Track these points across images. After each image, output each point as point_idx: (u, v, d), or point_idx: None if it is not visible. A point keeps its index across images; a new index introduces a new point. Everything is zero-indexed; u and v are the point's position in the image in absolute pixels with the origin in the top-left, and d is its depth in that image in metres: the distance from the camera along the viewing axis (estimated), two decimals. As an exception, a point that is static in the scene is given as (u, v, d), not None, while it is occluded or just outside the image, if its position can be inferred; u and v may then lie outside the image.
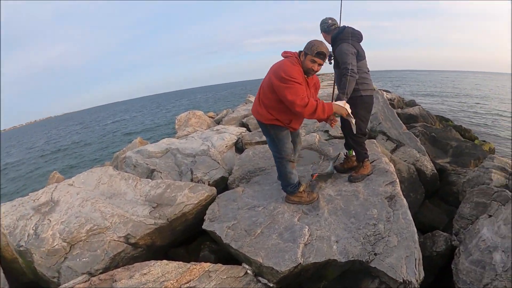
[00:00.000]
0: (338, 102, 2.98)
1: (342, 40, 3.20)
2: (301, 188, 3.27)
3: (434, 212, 4.61)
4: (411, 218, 2.82)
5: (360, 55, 3.26)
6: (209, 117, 12.32)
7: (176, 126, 9.82)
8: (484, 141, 10.21)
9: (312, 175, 3.61)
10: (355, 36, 3.28)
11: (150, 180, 4.08)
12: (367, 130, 3.65)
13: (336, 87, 3.57)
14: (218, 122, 10.86)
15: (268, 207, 3.24)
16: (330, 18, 3.36)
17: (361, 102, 3.34)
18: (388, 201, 3.09)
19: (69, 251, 3.01)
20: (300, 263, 2.48)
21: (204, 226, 3.15)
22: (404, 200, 3.10)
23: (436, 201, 5.10)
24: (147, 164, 5.01)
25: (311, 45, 2.80)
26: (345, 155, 3.89)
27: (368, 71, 3.45)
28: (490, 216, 3.11)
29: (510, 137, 13.42)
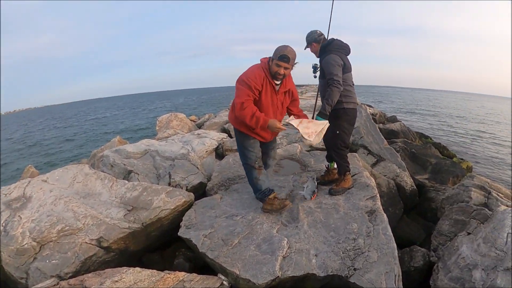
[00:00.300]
0: (319, 122, 3.05)
1: (330, 51, 3.22)
2: (271, 195, 3.22)
3: (411, 226, 4.63)
4: (391, 234, 2.79)
5: (346, 68, 3.27)
6: (191, 120, 12.20)
7: (157, 128, 9.67)
8: (462, 159, 10.45)
9: (311, 197, 3.47)
10: (343, 49, 3.32)
11: (126, 182, 3.93)
12: (348, 143, 3.64)
13: (319, 98, 3.60)
14: (200, 126, 10.77)
15: (246, 217, 3.16)
16: (318, 30, 3.43)
17: (344, 114, 3.35)
18: (368, 216, 3.06)
19: (39, 251, 2.85)
20: (278, 276, 2.40)
21: (180, 233, 3.03)
22: (385, 215, 3.07)
23: (414, 216, 5.13)
24: (124, 164, 4.85)
25: (276, 49, 2.84)
26: (326, 167, 3.86)
27: (353, 84, 3.48)
28: (469, 233, 3.13)
29: (488, 157, 13.81)
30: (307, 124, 3.03)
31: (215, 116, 11.66)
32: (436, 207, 4.80)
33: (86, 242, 2.93)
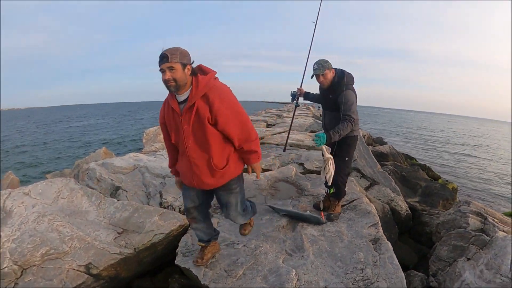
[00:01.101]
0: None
1: (347, 86, 3.23)
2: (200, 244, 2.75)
3: (403, 250, 4.57)
4: (398, 263, 2.73)
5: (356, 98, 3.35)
6: (179, 134, 11.99)
7: (144, 140, 9.40)
8: (447, 181, 10.62)
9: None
10: (353, 81, 3.37)
11: (115, 200, 3.70)
12: None
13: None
14: (189, 142, 10.60)
15: (248, 245, 2.98)
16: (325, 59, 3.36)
17: (353, 141, 3.45)
18: (373, 244, 3.00)
19: (20, 276, 2.58)
20: (291, 310, 2.24)
21: (177, 262, 2.81)
22: (389, 243, 3.02)
23: (405, 239, 5.09)
24: (112, 180, 4.60)
25: None
26: (326, 193, 3.76)
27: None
28: (468, 259, 3.19)
29: (472, 178, 14.09)
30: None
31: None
32: (431, 231, 4.84)
33: (74, 269, 2.69)
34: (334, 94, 3.27)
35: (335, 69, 3.32)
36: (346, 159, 3.44)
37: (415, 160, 13.83)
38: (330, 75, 3.26)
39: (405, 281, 2.53)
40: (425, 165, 12.13)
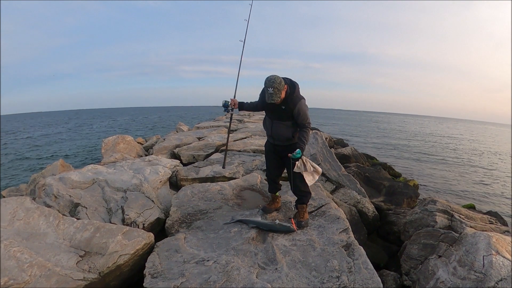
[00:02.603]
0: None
1: (298, 98, 3.27)
2: None
3: (373, 249, 4.66)
4: (373, 267, 2.75)
5: None
6: (138, 143, 11.59)
7: (103, 151, 9.00)
8: (406, 178, 11.01)
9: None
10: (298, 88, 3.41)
11: (75, 220, 3.43)
12: None
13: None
14: (148, 149, 10.28)
15: (219, 261, 2.83)
16: (275, 76, 3.20)
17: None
18: (345, 250, 3.00)
19: None
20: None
21: (146, 285, 2.59)
22: (361, 248, 3.03)
23: (374, 237, 5.22)
24: (70, 196, 4.29)
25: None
26: (294, 207, 3.78)
27: None
28: (439, 256, 3.28)
29: (430, 174, 14.71)
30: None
31: (164, 139, 11.15)
32: (399, 230, 4.95)
33: (37, 301, 2.43)
34: (286, 105, 3.24)
35: (285, 81, 3.21)
36: None
37: (376, 159, 14.23)
38: (284, 93, 3.18)
39: (382, 285, 2.55)
40: (386, 163, 12.51)
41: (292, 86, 3.25)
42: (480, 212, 5.63)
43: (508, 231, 4.36)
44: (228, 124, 4.26)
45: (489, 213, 5.49)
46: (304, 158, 3.33)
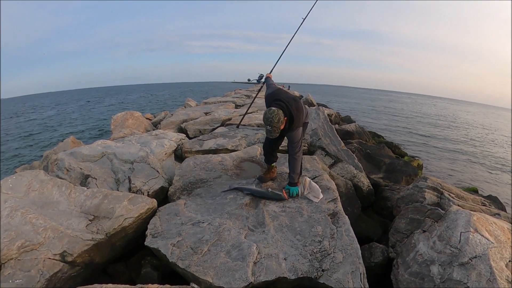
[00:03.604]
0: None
1: (294, 128, 3.42)
2: None
3: (368, 223, 4.85)
4: (354, 235, 2.94)
5: (303, 113, 3.59)
6: (147, 118, 11.88)
7: (112, 127, 9.32)
8: (413, 157, 11.09)
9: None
10: (300, 104, 3.54)
11: (85, 189, 3.75)
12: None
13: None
14: (156, 125, 10.55)
15: (213, 223, 3.13)
16: (274, 111, 3.25)
17: (305, 126, 3.81)
18: (331, 218, 3.20)
19: (0, 270, 2.62)
20: (252, 282, 2.42)
21: (147, 243, 2.93)
22: (346, 217, 3.23)
23: (370, 213, 5.39)
24: (81, 168, 4.62)
25: None
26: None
27: (289, 87, 3.83)
28: (424, 231, 3.37)
29: (439, 155, 14.76)
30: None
31: (171, 115, 11.38)
32: (392, 205, 5.09)
33: (50, 258, 2.75)
34: (283, 130, 3.43)
35: (284, 113, 3.29)
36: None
37: (383, 138, 14.28)
38: (283, 125, 3.34)
39: (360, 251, 2.73)
40: (392, 142, 12.52)
41: (290, 119, 3.36)
42: (479, 195, 5.65)
43: (498, 214, 4.33)
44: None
45: (488, 197, 5.49)
46: (300, 187, 3.63)
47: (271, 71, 4.21)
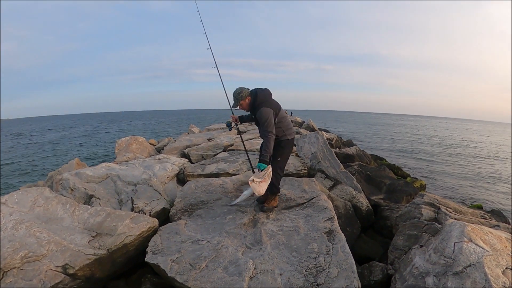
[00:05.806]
0: (262, 172, 3.62)
1: (260, 105, 3.73)
2: None
3: (369, 244, 4.86)
4: (349, 251, 3.01)
5: (276, 109, 3.81)
6: (151, 144, 12.07)
7: (116, 151, 9.49)
8: (415, 178, 11.08)
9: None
10: (267, 97, 3.84)
11: (89, 207, 3.87)
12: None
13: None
14: (159, 150, 10.70)
15: (212, 241, 3.23)
16: (241, 88, 3.85)
17: (287, 144, 3.95)
18: (327, 236, 3.27)
19: (2, 278, 2.74)
20: (247, 295, 2.49)
21: (147, 259, 3.04)
22: (342, 234, 3.30)
23: (371, 233, 5.40)
24: (85, 188, 4.74)
25: None
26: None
27: (291, 114, 3.98)
28: (421, 246, 3.40)
29: (443, 175, 14.74)
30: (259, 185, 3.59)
31: (175, 141, 11.59)
32: (391, 224, 5.10)
33: (51, 269, 2.86)
34: (254, 114, 3.80)
35: (250, 92, 3.85)
36: (279, 159, 3.93)
37: (385, 160, 14.32)
38: (245, 103, 3.83)
39: (355, 266, 2.79)
40: (394, 164, 12.52)
41: (254, 96, 3.80)
42: (480, 209, 5.65)
43: (498, 225, 4.31)
44: (238, 128, 4.80)
45: (491, 211, 5.50)
46: (265, 170, 3.67)
47: (232, 111, 4.44)
